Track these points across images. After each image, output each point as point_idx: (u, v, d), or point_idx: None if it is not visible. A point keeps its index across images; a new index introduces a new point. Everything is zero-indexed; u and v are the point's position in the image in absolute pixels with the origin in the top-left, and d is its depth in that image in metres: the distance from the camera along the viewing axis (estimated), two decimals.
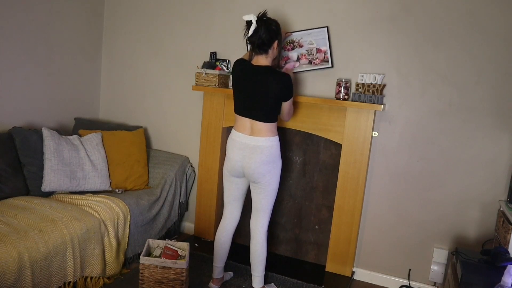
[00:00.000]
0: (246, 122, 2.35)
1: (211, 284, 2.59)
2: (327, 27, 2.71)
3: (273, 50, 2.34)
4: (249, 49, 2.38)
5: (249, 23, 2.27)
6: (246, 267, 2.82)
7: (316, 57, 2.73)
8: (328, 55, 2.72)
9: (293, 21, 2.88)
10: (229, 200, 2.53)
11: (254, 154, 2.31)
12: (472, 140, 2.57)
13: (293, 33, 2.79)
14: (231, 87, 2.94)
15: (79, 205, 2.61)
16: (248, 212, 2.61)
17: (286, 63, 2.84)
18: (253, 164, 2.31)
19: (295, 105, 2.81)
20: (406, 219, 2.78)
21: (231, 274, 2.75)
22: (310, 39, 2.71)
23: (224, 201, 2.56)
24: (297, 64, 2.74)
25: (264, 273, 2.51)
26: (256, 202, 2.44)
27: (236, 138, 2.37)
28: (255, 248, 2.46)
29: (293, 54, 2.81)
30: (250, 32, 2.26)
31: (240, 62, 2.41)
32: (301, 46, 2.77)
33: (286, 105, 2.39)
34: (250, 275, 2.56)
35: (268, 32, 2.27)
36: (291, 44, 2.77)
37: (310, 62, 2.77)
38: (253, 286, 2.51)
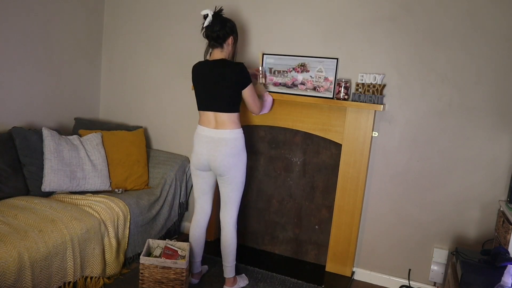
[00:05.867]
0: (210, 115, 2.39)
1: (190, 278, 2.62)
2: (337, 59, 2.77)
3: (228, 47, 2.40)
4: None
5: (205, 17, 2.34)
6: (238, 264, 2.86)
7: (321, 85, 2.78)
8: (333, 85, 2.76)
9: (290, 21, 2.89)
10: (198, 195, 2.58)
11: (219, 146, 2.35)
12: (472, 140, 2.56)
13: (305, 58, 2.84)
14: None
15: (79, 205, 2.61)
16: (244, 211, 2.61)
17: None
18: (218, 156, 2.35)
19: (283, 106, 2.81)
20: (406, 219, 2.78)
21: (206, 267, 2.80)
22: (320, 67, 2.79)
23: (194, 196, 2.61)
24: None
25: (234, 263, 2.55)
26: (224, 195, 2.48)
27: (202, 132, 2.41)
28: (225, 239, 2.50)
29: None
30: (205, 24, 2.33)
31: (197, 64, 2.49)
32: (307, 71, 2.81)
33: (246, 94, 2.41)
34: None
35: (223, 27, 2.34)
36: (301, 67, 2.83)
37: (314, 89, 2.80)
38: (224, 276, 2.55)
